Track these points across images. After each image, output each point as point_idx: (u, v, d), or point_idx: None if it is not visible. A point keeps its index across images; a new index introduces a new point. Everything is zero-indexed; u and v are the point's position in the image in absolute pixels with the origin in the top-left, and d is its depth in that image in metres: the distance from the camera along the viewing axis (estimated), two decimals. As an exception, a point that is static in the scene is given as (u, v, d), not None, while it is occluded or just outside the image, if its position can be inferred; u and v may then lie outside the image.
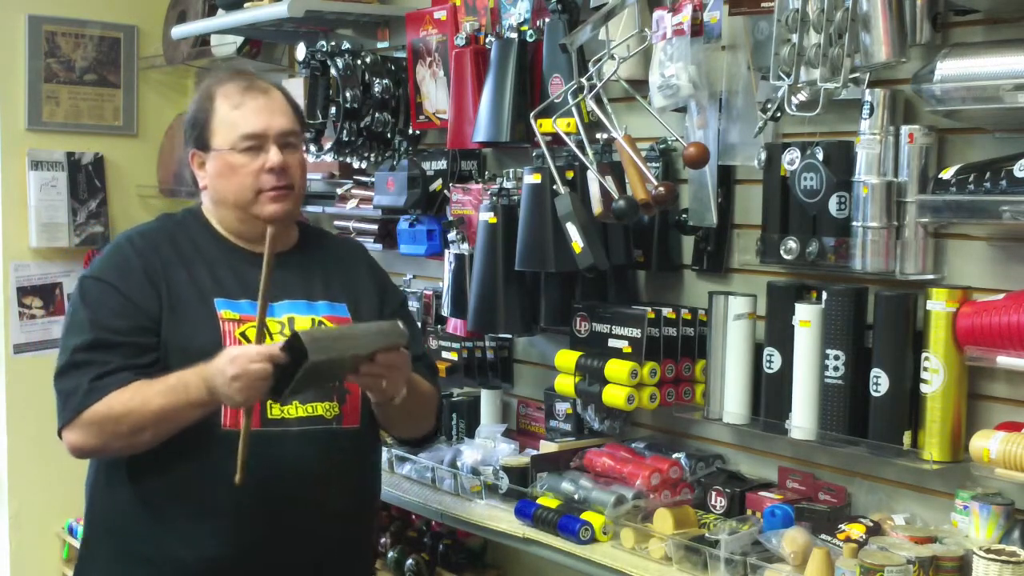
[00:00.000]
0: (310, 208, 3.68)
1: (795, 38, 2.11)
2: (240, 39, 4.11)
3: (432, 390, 2.48)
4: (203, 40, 4.29)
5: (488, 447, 2.92)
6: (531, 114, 2.61)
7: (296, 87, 3.45)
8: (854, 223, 2.26)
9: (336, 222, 3.69)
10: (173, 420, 2.13)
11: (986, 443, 2.04)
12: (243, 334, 2.22)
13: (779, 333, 2.40)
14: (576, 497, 2.58)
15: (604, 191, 2.43)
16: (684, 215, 2.66)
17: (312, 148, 3.43)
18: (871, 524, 2.22)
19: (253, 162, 2.26)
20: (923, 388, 2.20)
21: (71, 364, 2.18)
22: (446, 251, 3.11)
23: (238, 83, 2.31)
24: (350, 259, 2.50)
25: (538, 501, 2.61)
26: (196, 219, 2.37)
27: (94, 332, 2.18)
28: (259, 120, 2.27)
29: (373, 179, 3.42)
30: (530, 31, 2.87)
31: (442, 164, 3.23)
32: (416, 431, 2.53)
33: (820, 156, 2.31)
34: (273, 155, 2.26)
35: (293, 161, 2.30)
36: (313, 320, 2.30)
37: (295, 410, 2.22)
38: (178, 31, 4.11)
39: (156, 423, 2.13)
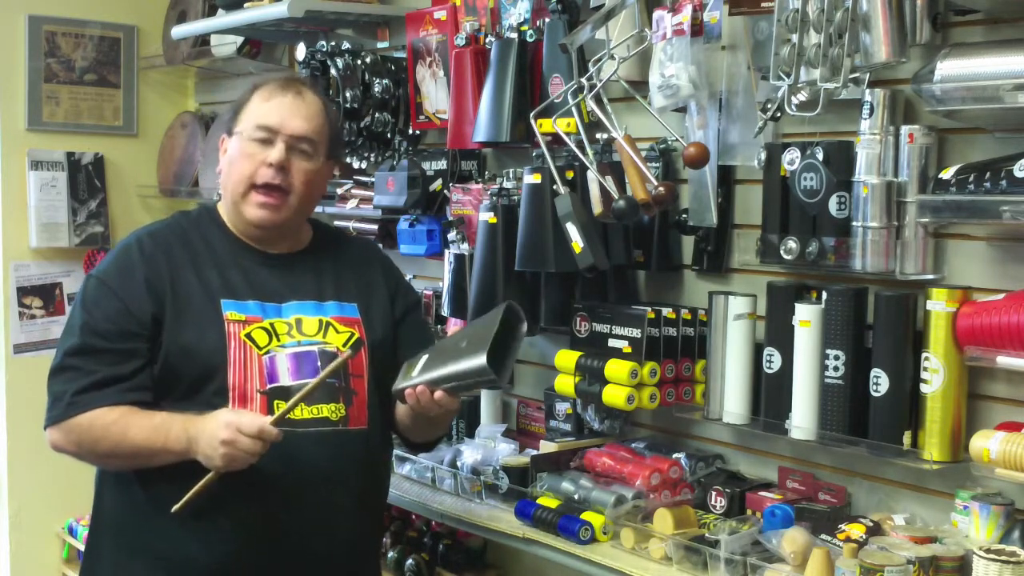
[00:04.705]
0: (310, 208, 3.67)
1: (795, 38, 2.11)
2: (240, 39, 4.11)
3: None
4: (203, 40, 4.28)
5: (488, 447, 2.92)
6: (531, 114, 2.61)
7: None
8: (854, 223, 2.26)
9: (336, 222, 3.68)
10: (146, 458, 2.18)
11: (986, 443, 2.03)
12: (248, 335, 2.22)
13: (779, 333, 2.40)
14: (576, 497, 2.58)
15: (604, 191, 2.43)
16: (684, 215, 2.66)
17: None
18: (871, 524, 2.22)
19: (259, 153, 2.26)
20: (923, 388, 2.20)
21: (60, 367, 2.24)
22: (446, 251, 3.11)
23: (279, 82, 2.34)
24: (363, 260, 2.49)
25: (538, 501, 2.61)
26: (210, 216, 2.38)
27: (83, 337, 2.22)
28: (277, 115, 2.28)
29: (373, 179, 3.42)
30: (530, 31, 2.87)
31: (442, 164, 3.23)
32: (431, 436, 2.55)
33: (820, 156, 2.30)
34: (276, 151, 2.25)
35: (298, 166, 2.28)
36: (321, 321, 2.30)
37: (300, 412, 2.21)
38: (178, 31, 4.11)
39: (129, 456, 2.19)
